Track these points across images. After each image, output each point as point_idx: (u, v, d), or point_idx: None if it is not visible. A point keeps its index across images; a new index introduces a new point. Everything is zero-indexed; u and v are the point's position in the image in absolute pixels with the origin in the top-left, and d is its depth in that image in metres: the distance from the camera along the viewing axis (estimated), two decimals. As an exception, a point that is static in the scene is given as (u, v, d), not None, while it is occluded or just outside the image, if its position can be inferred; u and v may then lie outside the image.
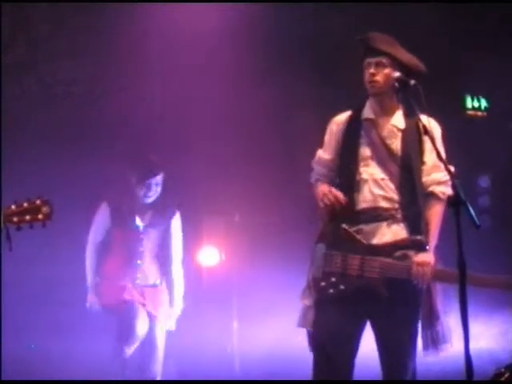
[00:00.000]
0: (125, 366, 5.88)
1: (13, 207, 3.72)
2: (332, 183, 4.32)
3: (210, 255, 7.28)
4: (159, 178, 5.99)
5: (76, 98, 7.10)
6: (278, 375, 6.62)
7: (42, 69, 7.15)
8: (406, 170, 4.20)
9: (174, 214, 6.13)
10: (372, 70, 4.20)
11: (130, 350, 5.87)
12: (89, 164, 6.58)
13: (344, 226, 4.17)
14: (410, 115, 4.26)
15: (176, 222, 6.16)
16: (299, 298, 4.25)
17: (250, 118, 7.12)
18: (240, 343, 7.09)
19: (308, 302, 4.20)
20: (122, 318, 5.90)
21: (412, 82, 4.04)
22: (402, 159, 4.21)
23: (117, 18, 6.90)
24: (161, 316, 6.03)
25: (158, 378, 6.03)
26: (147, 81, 7.22)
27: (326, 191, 4.17)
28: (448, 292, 4.15)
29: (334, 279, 4.10)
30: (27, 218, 3.69)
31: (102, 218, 6.08)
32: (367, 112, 4.32)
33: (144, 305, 5.95)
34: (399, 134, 4.26)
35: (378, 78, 4.19)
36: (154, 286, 6.06)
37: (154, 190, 5.98)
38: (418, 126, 4.20)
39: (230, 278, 7.20)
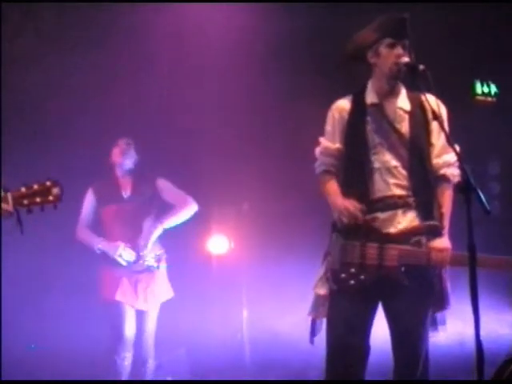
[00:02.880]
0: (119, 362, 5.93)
1: (22, 189, 3.70)
2: (338, 172, 4.25)
3: (219, 243, 7.28)
4: (127, 140, 6.11)
5: (83, 89, 7.09)
6: (288, 362, 6.64)
7: (50, 60, 7.16)
8: (416, 153, 4.12)
9: (154, 179, 6.15)
10: (401, 52, 4.10)
11: (123, 350, 5.91)
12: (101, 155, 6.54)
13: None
14: (412, 95, 4.21)
15: (162, 184, 6.17)
16: (312, 287, 4.22)
17: (258, 109, 7.12)
18: (250, 331, 7.08)
19: (322, 291, 4.15)
20: (112, 321, 5.95)
21: (421, 67, 3.96)
22: (412, 143, 4.13)
23: (126, 12, 6.90)
24: (152, 308, 6.02)
25: (149, 363, 6.01)
26: (156, 73, 7.20)
27: (344, 209, 4.06)
28: (459, 278, 4.12)
29: (353, 270, 4.02)
30: (38, 200, 3.67)
31: (87, 200, 6.15)
32: (371, 96, 4.22)
33: (133, 305, 5.95)
34: (406, 117, 4.17)
35: (403, 62, 4.09)
36: (150, 270, 6.00)
37: (125, 149, 6.08)
38: (422, 106, 4.14)
39: (239, 266, 7.19)
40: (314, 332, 4.21)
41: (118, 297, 5.89)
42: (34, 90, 6.80)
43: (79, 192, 6.12)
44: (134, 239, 5.96)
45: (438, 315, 4.15)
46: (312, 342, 4.22)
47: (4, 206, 3.69)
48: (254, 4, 6.75)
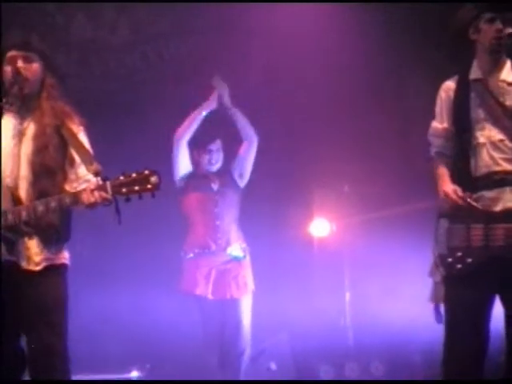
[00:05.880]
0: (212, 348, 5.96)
1: (121, 178, 3.70)
2: (451, 153, 4.17)
3: (321, 226, 7.22)
4: (218, 143, 6.13)
5: (180, 74, 7.12)
6: (392, 346, 6.54)
7: (146, 48, 7.23)
8: None
9: (242, 180, 6.20)
10: (501, 26, 3.99)
11: (215, 344, 5.94)
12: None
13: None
14: None
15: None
16: (428, 275, 4.17)
17: (359, 92, 7.03)
18: (353, 314, 7.00)
19: (436, 278, 4.12)
20: (201, 314, 5.99)
21: None
22: None
23: (216, 11, 6.93)
24: (245, 296, 6.00)
25: (246, 352, 5.98)
26: (251, 71, 7.17)
27: (444, 195, 4.01)
28: None
29: (460, 253, 3.94)
30: (136, 188, 3.67)
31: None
32: (475, 72, 4.14)
33: (225, 296, 5.94)
34: (510, 89, 4.07)
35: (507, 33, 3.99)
36: (237, 259, 6.01)
37: (216, 156, 6.12)
38: None
39: (341, 249, 7.12)
40: (438, 317, 4.18)
41: (202, 290, 5.90)
42: (130, 78, 6.88)
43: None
44: (218, 230, 5.98)
45: None
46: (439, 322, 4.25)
47: (103, 194, 3.72)
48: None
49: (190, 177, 6.15)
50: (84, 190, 3.76)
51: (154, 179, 3.67)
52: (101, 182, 3.73)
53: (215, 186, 6.12)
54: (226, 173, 6.19)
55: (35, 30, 6.06)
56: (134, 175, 3.69)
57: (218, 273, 5.95)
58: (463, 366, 3.96)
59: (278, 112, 7.03)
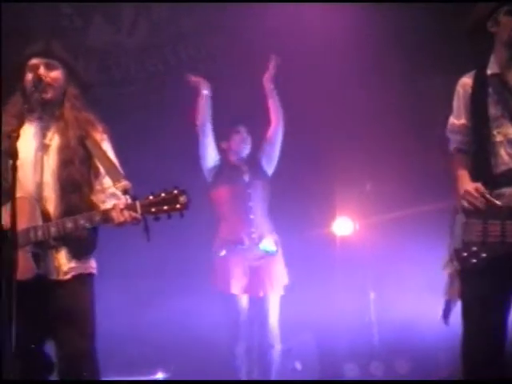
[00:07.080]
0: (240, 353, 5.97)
1: (150, 197, 3.73)
2: (470, 148, 4.13)
3: (344, 225, 7.22)
4: (244, 128, 6.18)
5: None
6: (418, 344, 6.57)
7: (166, 50, 7.24)
8: None
9: (270, 166, 6.22)
10: None
11: (243, 341, 5.95)
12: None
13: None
14: None
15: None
16: (442, 268, 4.15)
17: (378, 90, 7.03)
18: (377, 313, 7.01)
19: (448, 270, 4.09)
20: (230, 312, 5.97)
21: None
22: None
23: (234, 11, 6.93)
24: (277, 292, 6.02)
25: (276, 349, 5.99)
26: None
27: (465, 193, 3.97)
28: None
29: (475, 248, 3.93)
30: (165, 208, 3.69)
31: None
32: (492, 67, 4.08)
33: (257, 293, 5.95)
34: None
35: None
36: (270, 254, 6.02)
37: (246, 137, 6.16)
38: None
39: (364, 248, 7.12)
40: (446, 313, 4.15)
41: (237, 288, 5.91)
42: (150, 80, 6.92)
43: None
44: (252, 224, 5.99)
45: None
46: (446, 323, 4.15)
47: (132, 214, 3.74)
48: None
49: (219, 168, 6.15)
50: (113, 208, 3.78)
51: (182, 199, 3.69)
52: (129, 201, 3.75)
53: (247, 178, 6.12)
54: (254, 162, 6.20)
55: (51, 33, 6.07)
56: (163, 195, 3.71)
57: (252, 270, 5.96)
58: (481, 360, 3.94)
59: (296, 112, 7.01)
